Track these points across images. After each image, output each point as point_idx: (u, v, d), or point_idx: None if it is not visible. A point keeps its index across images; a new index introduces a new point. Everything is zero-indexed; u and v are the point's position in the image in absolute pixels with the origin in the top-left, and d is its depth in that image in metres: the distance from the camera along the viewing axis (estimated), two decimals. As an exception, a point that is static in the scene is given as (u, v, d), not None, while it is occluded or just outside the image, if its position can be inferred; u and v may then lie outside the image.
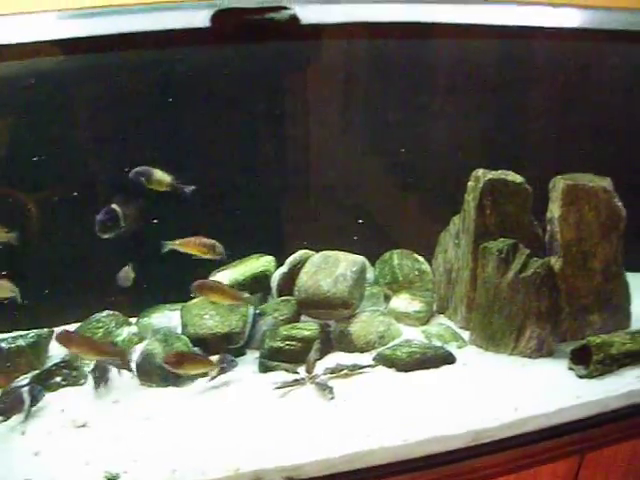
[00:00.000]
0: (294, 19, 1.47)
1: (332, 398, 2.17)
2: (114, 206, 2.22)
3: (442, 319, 2.74)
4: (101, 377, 2.26)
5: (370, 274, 2.86)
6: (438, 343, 2.48)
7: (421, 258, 2.89)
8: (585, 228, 2.43)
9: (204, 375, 2.29)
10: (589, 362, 2.25)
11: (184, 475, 1.83)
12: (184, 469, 1.84)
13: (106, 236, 2.22)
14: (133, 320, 2.64)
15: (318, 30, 1.53)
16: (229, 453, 1.90)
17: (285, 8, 1.46)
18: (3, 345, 2.31)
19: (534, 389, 2.21)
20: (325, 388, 2.21)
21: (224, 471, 1.84)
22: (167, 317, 2.60)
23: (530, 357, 2.38)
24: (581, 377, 2.26)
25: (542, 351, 2.38)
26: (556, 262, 2.45)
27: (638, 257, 2.82)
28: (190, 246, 2.39)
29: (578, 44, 2.77)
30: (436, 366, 2.35)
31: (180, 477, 1.83)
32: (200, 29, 1.46)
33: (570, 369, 2.31)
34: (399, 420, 2.05)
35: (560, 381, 2.26)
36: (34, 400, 2.09)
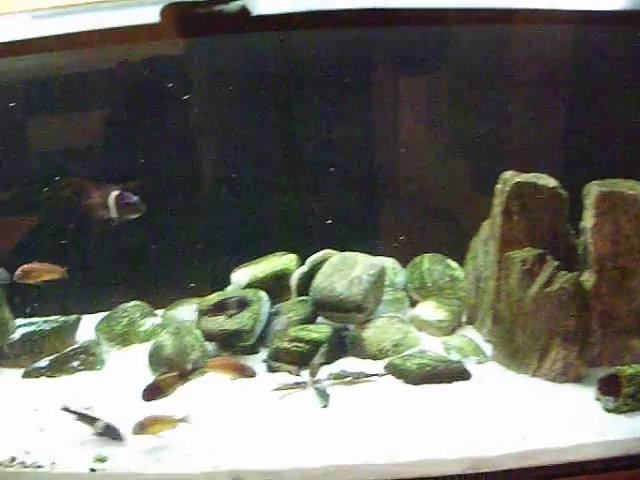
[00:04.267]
0: (244, 10, 1.42)
1: (325, 406, 2.10)
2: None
3: (469, 330, 2.56)
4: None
5: (401, 278, 2.75)
6: (456, 356, 2.32)
7: (455, 264, 2.72)
8: (622, 241, 2.13)
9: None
10: (619, 394, 1.99)
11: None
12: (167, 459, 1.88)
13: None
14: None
15: (268, 21, 1.47)
16: (209, 452, 1.91)
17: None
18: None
19: (551, 418, 1.99)
20: (322, 395, 2.15)
21: (203, 468, 1.86)
22: (193, 310, 2.60)
23: (554, 381, 2.15)
24: (608, 411, 2.00)
25: (568, 376, 2.14)
26: (589, 278, 2.18)
27: None
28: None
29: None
30: (448, 381, 2.20)
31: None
32: (150, 24, 1.46)
33: (597, 399, 2.05)
34: (391, 437, 1.93)
35: (583, 413, 2.01)
36: None
